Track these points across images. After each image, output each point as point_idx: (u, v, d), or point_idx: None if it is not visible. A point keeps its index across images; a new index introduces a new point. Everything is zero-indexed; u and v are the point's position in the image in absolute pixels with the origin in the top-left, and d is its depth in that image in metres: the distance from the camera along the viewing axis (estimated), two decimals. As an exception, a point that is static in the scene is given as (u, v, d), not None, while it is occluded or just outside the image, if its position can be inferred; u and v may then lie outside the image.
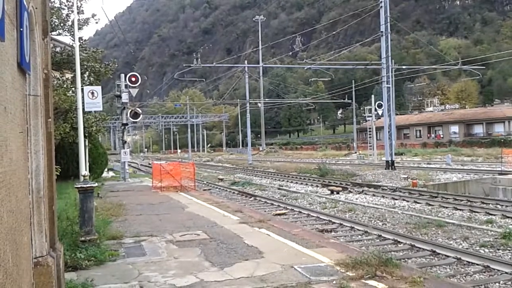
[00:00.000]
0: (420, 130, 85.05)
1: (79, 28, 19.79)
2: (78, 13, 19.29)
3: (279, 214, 15.67)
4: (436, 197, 18.73)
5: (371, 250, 8.79)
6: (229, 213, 13.16)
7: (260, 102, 74.21)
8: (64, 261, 6.24)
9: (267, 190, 24.45)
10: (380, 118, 46.70)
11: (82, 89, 17.09)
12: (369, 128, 48.63)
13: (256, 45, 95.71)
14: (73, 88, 18.36)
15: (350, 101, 70.60)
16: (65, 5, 20.77)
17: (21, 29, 3.59)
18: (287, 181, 29.72)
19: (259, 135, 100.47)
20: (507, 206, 16.18)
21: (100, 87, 19.13)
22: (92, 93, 18.02)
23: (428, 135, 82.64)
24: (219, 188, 26.36)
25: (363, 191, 22.21)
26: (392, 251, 10.11)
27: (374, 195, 20.80)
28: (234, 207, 14.66)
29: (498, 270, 8.47)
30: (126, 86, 27.31)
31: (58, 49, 20.20)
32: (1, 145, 2.91)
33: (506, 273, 8.29)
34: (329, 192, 22.27)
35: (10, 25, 3.29)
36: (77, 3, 19.15)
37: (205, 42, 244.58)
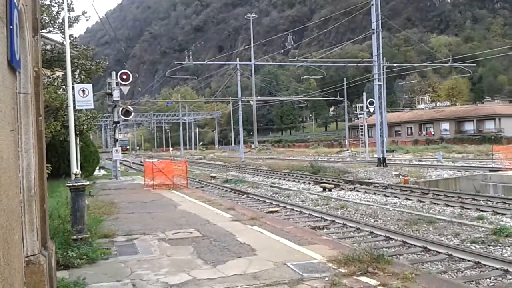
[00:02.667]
0: (411, 128, 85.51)
1: (70, 26, 19.66)
2: (68, 10, 19.13)
3: (271, 212, 15.69)
4: (427, 193, 18.84)
5: (363, 246, 8.84)
6: (221, 210, 13.15)
7: (252, 100, 74.04)
8: (56, 260, 6.21)
9: (259, 188, 24.46)
10: (371, 116, 46.85)
11: (73, 87, 16.99)
12: (361, 126, 48.81)
13: (247, 42, 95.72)
14: (64, 86, 18.28)
15: (342, 98, 70.70)
16: (56, 3, 20.64)
17: (11, 27, 3.56)
18: (280, 178, 29.76)
19: (251, 133, 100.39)
20: (497, 202, 16.33)
21: (91, 85, 19.03)
22: (83, 91, 17.92)
23: (419, 132, 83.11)
24: (212, 186, 26.34)
25: (355, 188, 22.30)
26: (384, 248, 10.16)
27: (366, 192, 20.88)
28: (227, 205, 14.65)
29: (489, 266, 8.54)
30: (117, 84, 27.17)
31: (48, 47, 20.07)
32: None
33: (497, 269, 8.35)
34: (321, 189, 22.32)
35: (-1, 22, 3.27)
36: (67, 0, 19.00)
37: (197, 39, 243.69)
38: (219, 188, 25.04)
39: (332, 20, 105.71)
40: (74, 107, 16.97)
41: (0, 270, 2.94)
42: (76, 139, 18.63)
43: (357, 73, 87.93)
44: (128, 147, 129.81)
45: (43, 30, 19.08)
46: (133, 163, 58.89)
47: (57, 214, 9.35)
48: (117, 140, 29.25)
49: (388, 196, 19.06)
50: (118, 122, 28.79)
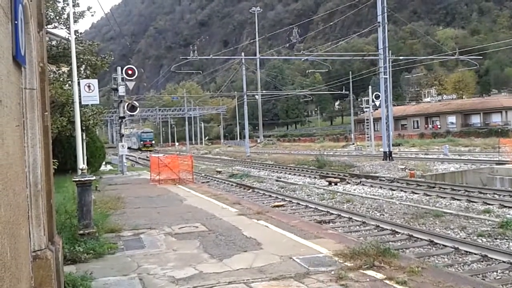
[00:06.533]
0: (417, 121, 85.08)
1: (75, 21, 19.69)
2: (73, 6, 19.14)
3: (277, 206, 15.71)
4: (433, 187, 18.79)
5: (369, 240, 8.83)
6: (227, 205, 13.18)
7: (257, 94, 73.98)
8: (63, 255, 6.25)
9: (265, 182, 24.47)
10: (377, 109, 46.67)
11: (79, 83, 17.02)
12: (367, 119, 48.63)
13: (253, 36, 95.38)
14: (70, 82, 18.31)
15: (347, 92, 70.53)
16: (61, -2, 20.64)
17: (16, 22, 3.56)
18: (285, 173, 29.75)
19: (256, 127, 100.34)
20: (504, 195, 16.27)
21: (96, 80, 19.08)
22: (89, 86, 17.97)
23: (426, 125, 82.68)
24: (217, 181, 26.38)
25: (361, 182, 22.26)
26: (390, 241, 10.15)
27: (372, 186, 20.84)
28: (233, 199, 14.68)
29: (496, 259, 8.52)
30: (122, 79, 27.22)
31: (54, 43, 20.11)
32: (-2, 138, 2.90)
33: (503, 262, 8.33)
34: (327, 183, 22.30)
35: (4, 18, 3.27)
36: (72, -4, 18.98)
37: (202, 34, 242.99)
38: (224, 183, 25.08)
39: (338, 13, 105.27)
40: (80, 102, 17.00)
41: (7, 265, 2.95)
42: (82, 134, 18.70)
43: (363, 66, 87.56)
44: (153, 141, 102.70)
45: (49, 26, 19.11)
46: (139, 158, 59.04)
47: (64, 209, 9.39)
48: (123, 135, 29.29)
49: (394, 190, 19.02)
50: (124, 117, 28.86)
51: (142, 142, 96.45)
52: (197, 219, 10.97)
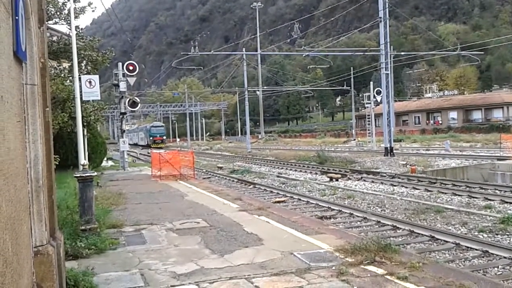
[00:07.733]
0: (419, 117, 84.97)
1: (76, 17, 19.59)
2: (74, 1, 19.05)
3: (278, 202, 15.71)
4: (434, 183, 18.78)
5: (370, 236, 8.83)
6: (228, 201, 13.19)
7: (258, 90, 73.89)
8: (65, 250, 6.26)
9: (266, 178, 24.47)
10: (379, 105, 46.59)
11: (80, 78, 17.00)
12: (368, 115, 48.61)
13: (254, 32, 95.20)
14: (71, 77, 18.28)
15: (348, 88, 70.33)
16: (61, -6, 20.55)
17: (17, 18, 3.55)
18: (286, 168, 29.74)
19: (257, 123, 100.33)
20: (505, 191, 16.25)
21: (97, 76, 19.05)
22: (90, 82, 17.95)
23: (427, 121, 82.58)
24: (219, 177, 26.39)
25: (362, 178, 22.25)
26: (391, 237, 10.16)
27: (373, 181, 20.84)
28: (234, 195, 14.68)
29: (497, 255, 8.52)
30: (123, 75, 27.23)
31: (54, 38, 20.06)
32: (-1, 134, 2.90)
33: (504, 257, 8.33)
34: (328, 179, 22.30)
35: (5, 13, 3.26)
36: (73, -9, 18.93)
37: (203, 29, 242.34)
38: (226, 179, 25.08)
39: (339, 9, 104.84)
40: (81, 98, 17.00)
41: (8, 260, 2.96)
42: (83, 130, 18.69)
43: (364, 62, 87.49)
44: (164, 137, 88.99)
45: (49, 22, 19.06)
46: (140, 154, 59.06)
47: (65, 205, 9.42)
48: (124, 131, 29.30)
49: (395, 186, 19.02)
50: (125, 113, 28.88)
51: (151, 138, 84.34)
52: (198, 214, 10.99)
